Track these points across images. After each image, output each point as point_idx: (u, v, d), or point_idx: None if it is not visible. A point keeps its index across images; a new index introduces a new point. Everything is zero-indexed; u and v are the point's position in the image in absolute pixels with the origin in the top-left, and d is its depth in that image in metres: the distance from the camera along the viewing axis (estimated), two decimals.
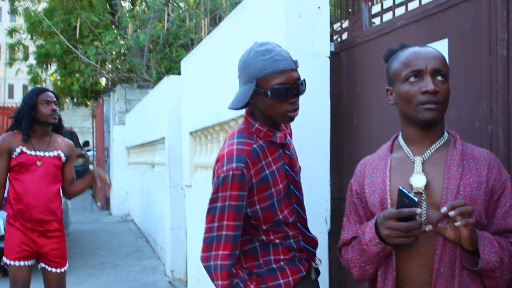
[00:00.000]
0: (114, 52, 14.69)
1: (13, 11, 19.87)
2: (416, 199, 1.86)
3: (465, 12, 2.61)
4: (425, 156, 2.06)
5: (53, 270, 4.41)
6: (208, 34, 9.95)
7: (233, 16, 4.49)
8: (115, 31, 14.77)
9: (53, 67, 20.93)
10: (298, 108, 2.39)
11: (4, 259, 4.33)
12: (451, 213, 1.79)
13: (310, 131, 3.38)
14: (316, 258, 2.58)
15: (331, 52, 3.53)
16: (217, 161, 2.38)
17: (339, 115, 3.59)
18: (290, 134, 2.65)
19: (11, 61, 21.52)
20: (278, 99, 2.31)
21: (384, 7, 3.53)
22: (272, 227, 2.42)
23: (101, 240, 10.88)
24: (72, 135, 21.64)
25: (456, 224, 1.79)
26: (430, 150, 2.06)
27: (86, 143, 24.35)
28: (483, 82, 2.49)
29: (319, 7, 3.41)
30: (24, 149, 4.35)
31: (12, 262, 4.30)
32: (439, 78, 2.00)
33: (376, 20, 3.65)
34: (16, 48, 21.24)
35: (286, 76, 2.31)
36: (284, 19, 3.35)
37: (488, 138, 2.45)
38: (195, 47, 7.73)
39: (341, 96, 3.60)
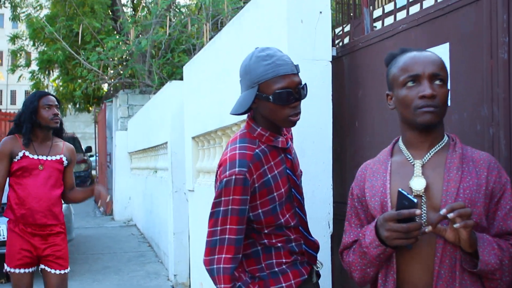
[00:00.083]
0: (116, 58, 14.70)
1: (14, 18, 19.90)
2: (415, 200, 1.88)
3: (466, 16, 2.63)
4: (425, 160, 2.07)
5: (54, 271, 4.34)
6: (210, 39, 9.97)
7: (235, 22, 4.51)
8: (117, 37, 14.78)
9: (55, 73, 20.96)
10: (300, 113, 2.41)
11: (6, 266, 4.30)
12: (450, 215, 1.81)
13: (313, 136, 3.39)
14: (318, 262, 2.60)
15: (333, 57, 3.54)
16: (220, 165, 2.39)
17: (341, 119, 3.60)
18: (291, 139, 2.66)
19: (13, 68, 21.55)
20: (280, 103, 2.32)
21: (386, 11, 3.54)
22: (274, 230, 2.43)
23: (104, 245, 10.88)
24: (74, 141, 21.67)
25: (455, 226, 1.81)
26: (430, 154, 2.08)
27: (89, 149, 24.37)
28: (484, 86, 2.50)
29: (320, 12, 3.43)
30: (27, 153, 4.31)
31: (13, 270, 4.28)
32: (437, 82, 2.02)
33: (378, 24, 3.67)
34: (18, 55, 21.26)
35: (288, 81, 2.33)
36: (285, 24, 3.37)
37: (489, 141, 2.46)
38: (197, 52, 7.76)
39: (343, 101, 3.61)
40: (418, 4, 3.14)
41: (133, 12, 18.38)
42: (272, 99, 2.31)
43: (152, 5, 14.17)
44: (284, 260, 2.45)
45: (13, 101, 57.98)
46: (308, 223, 2.67)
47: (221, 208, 2.31)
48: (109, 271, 8.49)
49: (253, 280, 2.43)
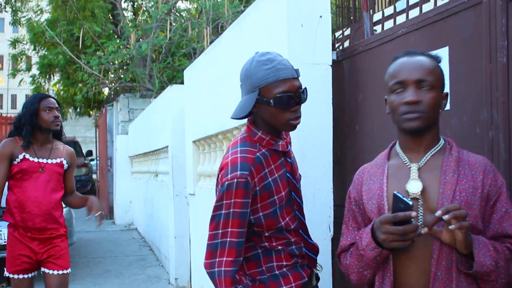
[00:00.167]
0: (116, 62, 14.74)
1: (15, 22, 19.92)
2: (411, 203, 1.90)
3: (465, 20, 2.65)
4: (421, 163, 2.10)
5: (53, 272, 4.27)
6: (210, 43, 10.00)
7: (235, 26, 4.52)
8: (118, 41, 14.80)
9: (56, 77, 20.99)
10: (300, 116, 2.43)
11: (5, 271, 4.27)
12: (446, 217, 1.82)
13: (313, 139, 3.41)
14: (318, 265, 2.61)
15: (333, 61, 3.56)
16: (221, 169, 2.40)
17: (341, 123, 3.62)
18: (290, 143, 2.68)
19: (14, 72, 21.58)
20: (281, 107, 2.34)
21: (385, 15, 3.56)
22: (274, 233, 2.44)
23: (105, 249, 10.89)
24: (75, 145, 21.67)
25: (450, 227, 1.83)
26: (426, 157, 2.10)
27: (89, 153, 24.40)
28: (484, 89, 2.52)
29: (320, 16, 3.44)
30: (27, 156, 4.25)
31: (11, 275, 4.24)
32: (424, 88, 2.04)
33: (378, 28, 3.68)
34: (19, 59, 21.28)
35: (288, 85, 2.34)
36: (286, 29, 3.39)
37: (489, 144, 2.48)
38: (197, 56, 7.77)
39: (343, 104, 3.63)
40: (418, 8, 3.16)
41: (134, 16, 18.42)
42: (273, 103, 2.33)
43: (153, 9, 14.20)
44: (284, 263, 2.46)
45: (13, 105, 58.03)
46: (309, 226, 2.68)
47: (223, 211, 2.32)
48: (110, 275, 8.50)
49: (254, 283, 2.44)
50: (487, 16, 2.50)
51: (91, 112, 22.70)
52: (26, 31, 19.34)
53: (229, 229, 2.31)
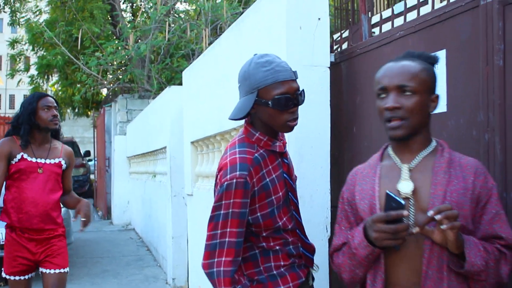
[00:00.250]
0: (115, 63, 14.74)
1: (13, 22, 19.91)
2: (403, 202, 1.93)
3: (462, 23, 2.67)
4: (412, 164, 2.12)
5: (49, 271, 4.22)
6: (209, 44, 10.01)
7: (234, 28, 4.54)
8: (116, 42, 14.81)
9: (54, 77, 20.99)
10: (297, 118, 2.45)
11: (3, 272, 4.24)
12: (437, 217, 1.85)
13: (311, 141, 3.42)
14: (314, 265, 2.64)
15: (331, 63, 3.58)
16: (220, 169, 2.42)
17: (339, 125, 3.64)
18: (285, 144, 2.70)
19: (12, 72, 21.56)
20: (279, 108, 2.37)
21: (383, 17, 3.58)
22: (272, 233, 2.46)
23: (102, 249, 10.89)
24: (73, 145, 21.64)
25: (442, 227, 1.85)
26: (418, 158, 2.13)
27: (87, 153, 24.36)
28: (480, 92, 2.54)
29: (319, 19, 3.46)
30: (25, 156, 4.20)
31: (9, 277, 4.20)
32: (406, 93, 2.07)
33: (376, 30, 3.70)
34: (18, 59, 21.27)
35: (287, 87, 2.37)
36: (284, 31, 3.41)
37: (485, 146, 2.50)
38: (196, 57, 7.80)
39: (341, 106, 3.65)
40: (416, 11, 3.19)
41: (132, 18, 18.43)
42: (271, 104, 2.35)
43: (152, 10, 14.21)
44: (282, 263, 2.48)
45: (11, 106, 57.99)
46: (306, 227, 2.71)
47: (222, 212, 2.33)
48: (107, 275, 8.51)
49: (252, 283, 2.45)
50: (484, 20, 2.52)
51: (89, 112, 22.70)
52: (25, 31, 19.33)
53: (228, 229, 2.32)
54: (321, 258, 3.20)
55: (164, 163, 8.70)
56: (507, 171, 2.41)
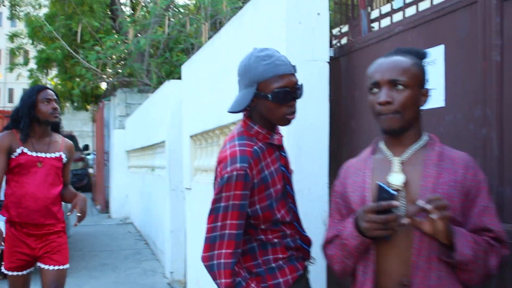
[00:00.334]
0: (114, 57, 14.75)
1: (12, 16, 19.91)
2: (393, 192, 1.96)
3: (460, 18, 2.69)
4: (403, 157, 2.15)
5: (48, 267, 4.15)
6: (208, 39, 10.01)
7: (234, 22, 4.56)
8: (116, 36, 14.83)
9: (53, 71, 21.00)
10: (296, 112, 2.47)
11: (2, 267, 4.18)
12: (428, 206, 1.88)
13: (310, 135, 3.44)
14: (311, 257, 2.66)
15: (331, 58, 3.60)
16: (220, 162, 2.43)
17: (338, 119, 3.66)
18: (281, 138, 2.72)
19: (12, 66, 21.57)
20: (278, 102, 2.39)
21: (382, 12, 3.60)
22: (270, 226, 2.47)
23: (101, 242, 10.92)
24: (72, 139, 21.64)
25: (432, 216, 1.89)
26: (409, 152, 2.16)
27: (86, 147, 24.38)
28: (478, 87, 2.56)
29: (318, 14, 3.48)
30: (25, 150, 4.13)
31: (8, 272, 4.16)
32: (398, 87, 2.10)
33: (375, 25, 3.72)
34: (17, 53, 21.27)
35: (286, 80, 2.39)
36: (284, 25, 3.42)
37: (482, 141, 2.52)
38: (195, 51, 7.79)
39: (340, 101, 3.67)
40: (414, 6, 3.21)
41: (132, 12, 18.43)
42: (270, 97, 2.37)
43: (151, 4, 14.22)
44: (280, 256, 2.50)
45: (10, 99, 57.96)
46: (304, 220, 2.73)
47: (222, 204, 2.34)
48: (106, 268, 8.54)
49: (250, 275, 2.46)
50: (482, 15, 2.54)
51: (88, 106, 22.73)
52: (24, 25, 19.33)
53: (228, 221, 2.33)
54: (319, 251, 3.22)
55: (163, 157, 8.72)
56: (504, 166, 2.43)
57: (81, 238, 11.24)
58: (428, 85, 2.21)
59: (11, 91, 58.54)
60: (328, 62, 3.53)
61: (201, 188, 5.55)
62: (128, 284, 7.61)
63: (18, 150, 4.13)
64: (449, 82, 2.75)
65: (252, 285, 2.37)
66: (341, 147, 3.67)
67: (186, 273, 6.80)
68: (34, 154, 4.17)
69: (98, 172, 17.99)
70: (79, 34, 13.99)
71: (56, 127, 4.42)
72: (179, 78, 7.90)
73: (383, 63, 2.16)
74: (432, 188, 2.04)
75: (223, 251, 2.33)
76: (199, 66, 5.74)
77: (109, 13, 17.60)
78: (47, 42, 18.21)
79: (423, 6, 3.12)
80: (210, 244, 2.36)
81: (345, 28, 5.66)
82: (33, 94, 4.22)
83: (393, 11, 3.47)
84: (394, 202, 1.95)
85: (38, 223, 4.14)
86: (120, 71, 15.03)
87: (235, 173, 2.32)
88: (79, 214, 4.19)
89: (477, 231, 2.06)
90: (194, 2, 14.62)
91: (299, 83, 2.47)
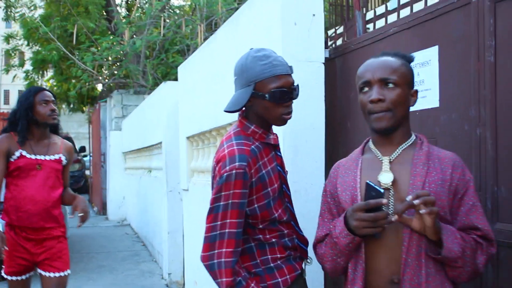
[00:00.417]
0: (110, 58, 14.75)
1: (8, 18, 19.86)
2: (382, 190, 2.00)
3: (455, 19, 2.71)
4: (392, 156, 2.19)
5: (49, 274, 4.11)
6: (204, 40, 10.02)
7: (230, 23, 4.57)
8: (111, 37, 14.81)
9: (49, 73, 20.96)
10: (291, 112, 2.50)
11: (2, 272, 4.15)
12: (416, 201, 1.91)
13: (306, 135, 3.46)
14: (308, 257, 2.68)
15: (326, 58, 3.62)
16: (218, 161, 2.43)
17: (333, 120, 3.67)
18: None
19: (7, 68, 21.52)
20: (275, 102, 2.41)
21: (377, 13, 3.61)
22: (268, 225, 2.49)
23: (98, 244, 10.92)
24: (69, 141, 21.55)
25: (420, 211, 1.92)
26: (398, 151, 2.20)
27: (82, 149, 24.28)
28: (472, 87, 2.58)
29: (314, 15, 3.50)
30: (24, 153, 4.07)
31: (8, 277, 4.12)
32: (389, 86, 2.14)
33: (370, 26, 3.74)
34: (12, 54, 21.20)
35: (283, 81, 2.42)
36: (280, 27, 3.44)
37: (476, 141, 2.55)
38: (191, 53, 7.82)
39: (335, 102, 3.68)
40: (408, 8, 3.23)
41: (128, 13, 18.41)
42: (268, 97, 2.40)
43: (147, 6, 14.22)
44: (279, 256, 2.52)
45: (6, 101, 57.84)
46: (301, 220, 2.75)
47: (221, 203, 2.36)
48: (103, 270, 8.54)
49: (250, 275, 2.48)
50: (476, 16, 2.57)
51: (84, 108, 22.69)
52: (20, 26, 19.29)
53: (228, 220, 2.35)
54: None
55: (160, 158, 8.72)
56: (498, 165, 2.46)
57: (79, 240, 11.23)
58: (416, 87, 2.25)
59: (6, 93, 58.40)
60: (324, 63, 3.55)
61: (198, 189, 5.56)
62: (125, 286, 7.62)
63: (17, 153, 4.07)
64: (443, 82, 2.78)
65: (252, 284, 2.39)
66: (337, 148, 3.69)
67: (184, 274, 6.80)
68: (33, 156, 4.11)
69: (95, 174, 17.97)
70: (74, 36, 13.98)
71: (54, 129, 4.37)
72: (175, 79, 7.92)
73: (373, 63, 2.21)
74: (420, 187, 2.07)
75: (223, 250, 2.34)
76: (195, 68, 5.75)
77: (105, 14, 17.58)
78: (42, 43, 18.17)
79: (417, 7, 3.14)
80: (210, 243, 2.37)
81: (340, 29, 5.69)
82: (31, 96, 4.16)
83: (388, 12, 3.49)
84: (383, 200, 1.98)
85: (38, 227, 4.08)
86: (116, 72, 15.01)
87: (234, 171, 2.34)
88: (81, 214, 4.14)
89: (465, 230, 2.10)
90: (189, 3, 14.62)
91: (295, 83, 2.49)
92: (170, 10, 14.66)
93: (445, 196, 2.08)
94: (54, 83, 20.75)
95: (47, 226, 4.12)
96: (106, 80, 15.33)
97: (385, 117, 2.13)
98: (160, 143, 8.41)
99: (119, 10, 18.25)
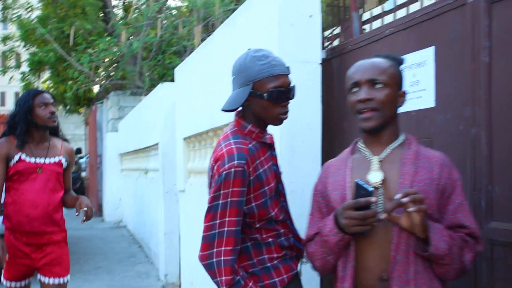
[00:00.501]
0: (107, 60, 14.75)
1: (5, 19, 19.85)
2: (371, 189, 2.03)
3: (450, 20, 2.73)
4: (381, 156, 2.22)
5: (49, 280, 4.04)
6: (201, 41, 10.03)
7: (227, 25, 4.58)
8: (108, 38, 14.82)
9: (46, 74, 20.94)
10: (288, 112, 2.52)
11: (2, 277, 4.09)
12: (404, 199, 1.95)
13: (303, 136, 3.48)
14: (304, 256, 2.69)
15: (323, 59, 3.63)
16: (216, 160, 2.44)
17: (330, 120, 3.69)
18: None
19: (4, 69, 21.48)
20: (274, 101, 2.43)
21: (374, 14, 3.63)
22: (265, 225, 2.50)
23: (94, 246, 10.92)
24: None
25: (409, 210, 1.95)
26: (387, 151, 2.23)
27: (78, 151, 24.31)
28: (468, 88, 2.60)
29: (310, 16, 3.51)
30: (23, 156, 3.99)
31: (8, 283, 4.05)
32: (377, 86, 2.18)
33: (367, 27, 3.75)
34: (9, 55, 21.17)
35: (282, 81, 2.44)
36: (277, 28, 3.46)
37: (471, 141, 2.56)
38: (188, 54, 7.83)
39: (332, 102, 3.70)
40: (405, 9, 3.24)
41: (125, 14, 18.42)
42: (266, 96, 2.41)
43: (144, 7, 14.23)
44: (275, 255, 2.52)
45: (2, 103, 57.78)
46: (297, 220, 2.77)
47: (220, 201, 2.36)
48: (100, 272, 8.54)
49: (247, 275, 2.49)
50: (471, 17, 2.58)
51: (80, 109, 22.66)
52: (17, 28, 19.28)
53: (227, 219, 2.36)
54: None
55: (157, 159, 8.73)
56: (493, 165, 2.47)
57: (75, 241, 11.21)
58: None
59: (3, 94, 58.34)
60: (321, 64, 3.57)
61: (195, 190, 5.56)
62: (122, 287, 7.62)
63: (16, 157, 4.00)
64: (439, 83, 2.79)
65: (250, 284, 2.40)
66: (334, 148, 3.70)
67: (180, 275, 6.81)
68: (32, 160, 4.04)
69: (91, 176, 17.98)
70: (71, 37, 13.98)
71: (54, 131, 4.29)
72: (172, 80, 7.91)
73: (362, 64, 2.25)
74: (409, 186, 2.10)
75: (223, 248, 2.35)
76: (192, 69, 5.76)
77: (102, 15, 17.59)
78: (39, 45, 18.16)
79: (413, 8, 3.16)
80: (209, 242, 2.37)
81: (337, 30, 5.70)
82: (30, 98, 4.08)
83: (384, 13, 3.50)
84: (372, 198, 2.02)
85: (39, 231, 4.01)
86: (112, 74, 15.02)
87: (233, 169, 2.35)
88: (85, 209, 4.05)
89: (452, 228, 2.14)
90: (186, 4, 14.63)
91: (292, 84, 2.51)
92: (167, 11, 14.68)
93: (433, 194, 2.12)
94: (51, 85, 20.69)
95: (48, 230, 4.05)
96: (103, 82, 15.34)
97: (373, 117, 2.17)
98: (157, 144, 8.41)
99: (116, 12, 18.27)
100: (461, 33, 2.66)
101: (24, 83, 20.91)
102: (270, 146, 2.60)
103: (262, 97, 2.42)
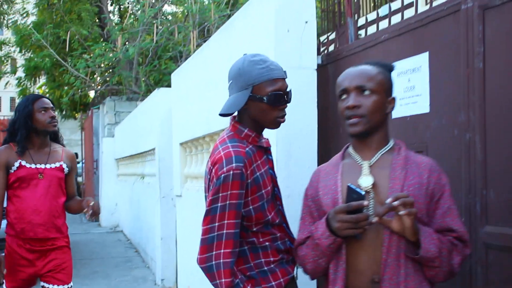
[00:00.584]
0: (103, 65, 14.76)
1: (0, 25, 19.86)
2: (363, 193, 2.07)
3: (444, 26, 2.76)
4: (372, 161, 2.26)
5: (54, 287, 4.02)
6: (196, 46, 10.06)
7: (223, 30, 4.60)
8: (104, 44, 14.83)
9: (41, 79, 20.93)
10: (285, 115, 2.55)
11: (3, 285, 4.01)
12: (395, 203, 1.99)
13: (299, 141, 3.50)
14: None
15: (318, 65, 3.66)
16: (214, 164, 2.45)
17: (325, 125, 3.71)
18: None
19: (0, 75, 21.47)
20: (273, 104, 2.46)
21: (369, 20, 3.66)
22: (262, 228, 2.52)
23: (91, 250, 10.91)
24: None
25: (399, 213, 1.99)
26: (377, 156, 2.27)
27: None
28: (462, 93, 2.63)
29: (306, 22, 3.54)
30: (24, 163, 3.96)
31: None
32: (365, 93, 2.22)
33: (362, 32, 3.78)
34: (5, 61, 21.16)
35: (280, 84, 2.47)
36: (273, 34, 3.48)
37: (466, 145, 2.59)
38: (184, 59, 7.85)
39: (328, 107, 3.72)
40: (399, 14, 3.28)
41: (120, 20, 18.44)
42: (266, 100, 2.44)
43: (139, 12, 14.25)
44: (272, 259, 2.54)
45: None
46: (294, 224, 2.78)
47: (219, 204, 2.38)
48: (97, 276, 8.54)
49: (245, 278, 2.50)
50: (465, 23, 2.61)
51: (77, 115, 22.65)
52: (12, 33, 19.28)
53: (226, 221, 2.37)
54: None
55: (153, 164, 8.74)
56: (487, 169, 2.50)
57: (72, 246, 11.00)
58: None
59: None
60: (316, 70, 3.59)
61: (192, 195, 5.58)
62: None
63: (16, 164, 3.97)
64: (433, 88, 2.82)
65: (248, 287, 2.41)
66: (329, 153, 3.71)
67: (177, 280, 6.81)
68: (33, 166, 4.01)
69: (87, 181, 17.96)
70: (67, 42, 13.99)
71: (55, 137, 4.27)
72: (168, 85, 7.94)
73: (351, 71, 2.29)
74: (399, 190, 2.14)
75: (222, 251, 2.36)
76: (189, 74, 5.78)
77: (97, 21, 17.61)
78: (35, 50, 18.15)
79: (408, 14, 3.19)
80: (208, 245, 2.38)
81: (332, 36, 5.73)
82: (29, 103, 4.05)
83: (379, 18, 3.54)
84: (364, 202, 2.06)
85: (42, 237, 3.98)
86: (108, 79, 15.03)
87: (231, 172, 2.36)
88: (92, 204, 3.98)
89: (441, 232, 2.18)
90: (182, 10, 14.66)
91: (289, 88, 2.54)
92: (163, 17, 14.69)
93: (422, 199, 2.16)
94: (47, 90, 20.69)
95: (51, 236, 4.02)
96: (99, 87, 15.34)
97: (360, 122, 2.20)
98: (153, 149, 8.42)
99: (112, 17, 18.29)
100: (455, 39, 2.69)
101: (20, 89, 20.90)
102: (266, 150, 2.62)
103: (262, 101, 2.45)
